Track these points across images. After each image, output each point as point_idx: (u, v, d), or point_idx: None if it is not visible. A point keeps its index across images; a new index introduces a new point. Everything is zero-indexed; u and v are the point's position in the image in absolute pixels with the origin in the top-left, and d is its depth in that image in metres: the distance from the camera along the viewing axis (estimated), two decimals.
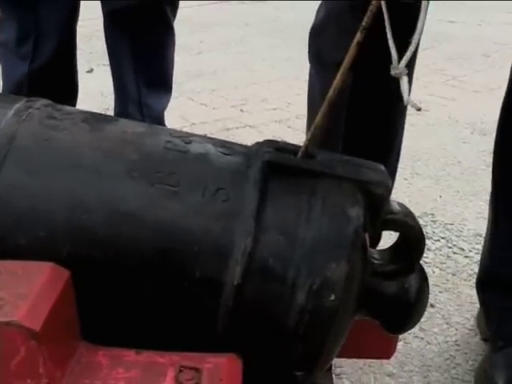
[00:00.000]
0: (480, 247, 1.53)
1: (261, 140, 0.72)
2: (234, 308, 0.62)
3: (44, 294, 0.57)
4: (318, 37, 1.06)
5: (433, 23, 2.54)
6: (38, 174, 0.64)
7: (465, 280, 1.45)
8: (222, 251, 0.63)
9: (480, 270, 1.25)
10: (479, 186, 1.91)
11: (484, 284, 1.23)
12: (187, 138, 0.70)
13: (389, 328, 0.77)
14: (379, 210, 0.69)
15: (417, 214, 0.76)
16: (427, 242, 1.42)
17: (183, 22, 2.09)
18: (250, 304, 0.63)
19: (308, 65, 1.11)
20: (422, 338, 1.25)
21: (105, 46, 1.78)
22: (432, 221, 1.71)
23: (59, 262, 0.60)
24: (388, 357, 0.94)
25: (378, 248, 0.76)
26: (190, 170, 0.66)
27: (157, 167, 0.65)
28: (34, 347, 0.53)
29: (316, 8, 1.07)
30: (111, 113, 1.90)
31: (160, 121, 1.81)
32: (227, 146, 0.71)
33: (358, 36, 0.63)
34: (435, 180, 1.97)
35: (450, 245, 1.59)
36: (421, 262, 0.77)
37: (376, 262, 0.73)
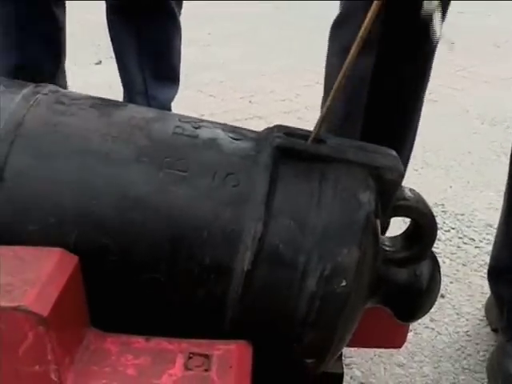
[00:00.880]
0: (490, 237, 1.53)
1: None
2: (244, 294, 0.62)
3: (52, 279, 0.56)
4: (340, 29, 1.05)
5: None
6: (46, 159, 0.63)
7: (475, 270, 1.44)
8: (232, 237, 0.62)
9: (492, 259, 1.25)
10: (490, 176, 1.91)
11: (495, 274, 1.22)
12: (197, 123, 0.69)
13: (400, 316, 0.76)
14: (391, 196, 0.68)
15: None
16: (437, 232, 1.42)
17: (191, 15, 2.07)
18: (259, 290, 0.62)
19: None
20: (433, 329, 1.25)
21: None
22: (442, 211, 1.70)
23: (68, 248, 0.59)
24: (399, 346, 0.93)
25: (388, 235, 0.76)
26: (200, 155, 0.65)
27: (166, 152, 0.64)
28: (42, 333, 0.53)
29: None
30: None
31: None
32: (237, 132, 0.70)
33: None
34: (445, 170, 1.97)
35: (460, 235, 1.59)
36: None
37: (388, 248, 0.72)
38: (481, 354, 1.19)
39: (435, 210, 1.68)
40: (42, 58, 1.72)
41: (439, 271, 0.77)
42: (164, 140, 0.66)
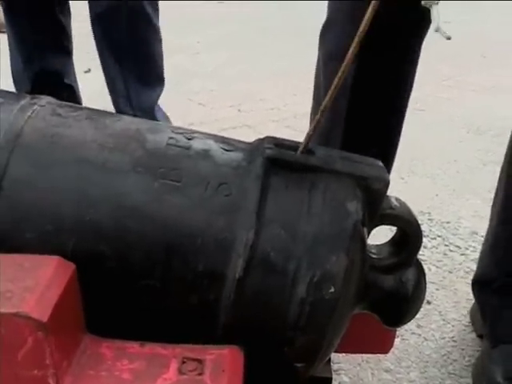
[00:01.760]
0: (476, 245, 1.55)
1: None
2: (236, 300, 0.64)
3: (50, 286, 0.57)
4: (324, 35, 1.05)
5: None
6: (44, 169, 0.64)
7: (461, 277, 1.46)
8: (225, 245, 0.64)
9: (478, 268, 1.26)
10: (475, 184, 1.93)
11: (480, 283, 1.23)
12: (189, 134, 0.71)
13: (387, 321, 0.78)
14: (377, 205, 0.71)
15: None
16: (424, 240, 1.44)
17: (179, 23, 2.09)
18: (251, 296, 0.64)
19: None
20: (420, 335, 1.26)
21: None
22: (429, 219, 1.72)
23: (66, 255, 0.61)
24: (386, 352, 0.95)
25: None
26: (193, 165, 0.67)
27: (160, 163, 0.66)
28: (41, 338, 0.54)
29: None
30: None
31: (151, 114, 1.88)
32: (228, 143, 0.72)
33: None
34: (432, 179, 1.99)
35: (446, 243, 1.61)
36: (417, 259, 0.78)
37: (374, 256, 0.74)
38: (466, 359, 1.21)
39: (421, 218, 1.70)
40: (57, 63, 1.81)
41: (424, 277, 0.79)
42: (158, 151, 0.68)
